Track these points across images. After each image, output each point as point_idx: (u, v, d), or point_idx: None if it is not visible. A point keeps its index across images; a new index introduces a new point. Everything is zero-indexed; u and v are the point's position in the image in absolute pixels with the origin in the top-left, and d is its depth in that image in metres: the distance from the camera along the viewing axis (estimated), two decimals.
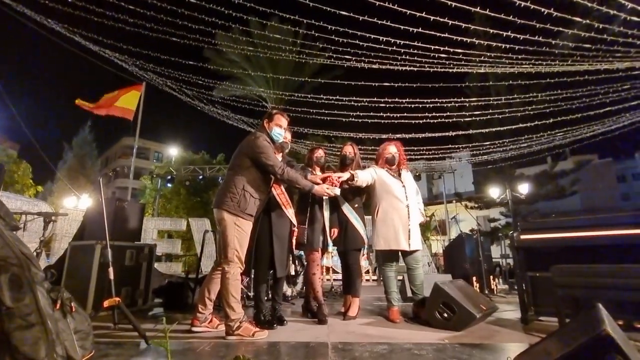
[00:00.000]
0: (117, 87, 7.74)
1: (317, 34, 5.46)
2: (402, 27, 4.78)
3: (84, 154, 27.18)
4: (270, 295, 2.95)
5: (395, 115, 7.55)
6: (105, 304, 2.27)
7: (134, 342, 2.13)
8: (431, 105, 7.40)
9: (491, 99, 9.47)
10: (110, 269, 2.44)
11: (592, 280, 2.03)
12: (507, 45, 5.48)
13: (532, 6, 4.34)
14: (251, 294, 3.56)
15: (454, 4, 4.24)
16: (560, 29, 5.01)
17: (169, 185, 16.11)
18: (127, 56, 7.11)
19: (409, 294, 3.14)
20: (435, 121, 7.81)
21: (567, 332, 1.29)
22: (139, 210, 3.92)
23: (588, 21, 4.89)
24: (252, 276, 2.89)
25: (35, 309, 1.36)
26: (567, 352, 0.96)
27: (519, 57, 6.02)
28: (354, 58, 5.98)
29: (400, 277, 3.96)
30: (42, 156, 6.78)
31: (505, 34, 5.03)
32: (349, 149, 3.30)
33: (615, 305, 2.42)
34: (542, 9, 4.43)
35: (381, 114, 7.53)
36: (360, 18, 4.64)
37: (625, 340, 1.06)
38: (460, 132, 9.94)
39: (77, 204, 11.06)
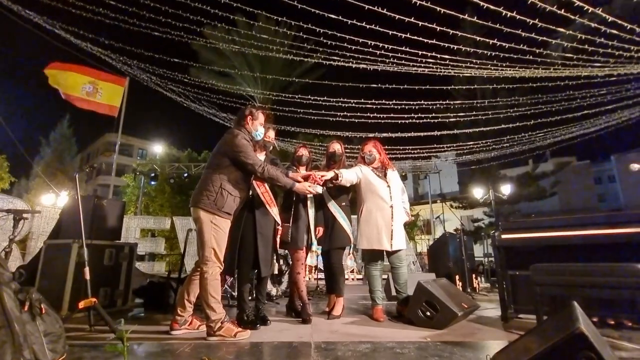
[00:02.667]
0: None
1: (305, 36, 5.45)
2: (390, 32, 4.81)
3: (63, 150, 26.26)
4: (254, 295, 2.92)
5: (382, 115, 7.62)
6: (81, 304, 2.20)
7: (110, 344, 2.06)
8: (417, 107, 7.50)
9: (475, 101, 9.66)
10: (86, 269, 2.36)
11: (569, 279, 2.08)
12: (493, 53, 5.60)
13: (518, 16, 4.43)
14: (235, 293, 3.51)
15: (442, 10, 4.28)
16: (545, 38, 5.15)
17: (153, 183, 15.74)
18: (110, 50, 6.89)
19: (394, 292, 3.16)
20: (421, 122, 7.92)
21: (544, 330, 1.32)
22: (119, 208, 3.80)
23: (571, 32, 5.04)
24: (236, 276, 2.85)
25: (1, 311, 1.29)
26: (543, 350, 0.98)
27: (504, 64, 6.16)
28: (342, 59, 5.98)
29: (385, 276, 3.98)
30: (20, 149, 6.50)
31: (491, 41, 5.14)
32: (335, 147, 3.28)
33: (591, 303, 2.51)
34: (528, 20, 4.53)
35: (368, 114, 7.59)
36: (349, 22, 4.64)
37: (599, 337, 1.08)
38: (446, 132, 10.10)
39: (56, 201, 10.72)
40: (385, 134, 8.54)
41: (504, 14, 4.38)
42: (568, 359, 0.93)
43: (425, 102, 7.59)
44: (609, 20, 4.68)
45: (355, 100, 7.34)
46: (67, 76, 6.81)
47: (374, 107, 7.39)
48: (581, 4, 4.32)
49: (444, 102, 8.21)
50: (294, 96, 7.76)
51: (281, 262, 4.47)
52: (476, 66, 6.72)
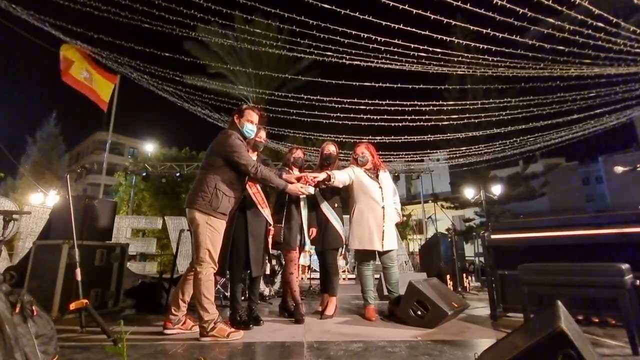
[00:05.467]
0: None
1: (297, 29, 5.42)
2: (383, 22, 4.81)
3: (50, 149, 25.77)
4: (247, 295, 2.93)
5: (375, 117, 7.64)
6: (72, 306, 2.18)
7: (102, 345, 2.05)
8: (410, 109, 7.55)
9: (468, 102, 9.79)
10: (77, 270, 2.34)
11: (555, 278, 2.14)
12: (485, 46, 5.67)
13: (508, 5, 4.46)
14: (227, 294, 3.51)
15: None
16: (536, 27, 5.22)
17: (144, 182, 15.54)
18: (100, 47, 6.79)
19: (386, 292, 3.20)
20: (414, 125, 7.98)
21: (528, 328, 1.36)
22: (110, 208, 3.77)
23: (559, 22, 5.11)
24: (228, 276, 2.85)
25: None
26: (526, 348, 1.02)
27: (495, 59, 6.24)
28: (335, 55, 5.98)
29: (377, 276, 4.03)
30: (2, 148, 6.38)
31: (484, 30, 5.16)
32: (331, 149, 3.31)
33: (577, 301, 2.58)
34: (518, 9, 4.56)
35: (361, 115, 7.60)
36: (342, 12, 4.63)
37: (579, 335, 1.13)
38: (439, 136, 10.20)
39: (44, 200, 10.53)
40: (378, 138, 8.59)
41: (494, 1, 4.38)
42: (549, 356, 0.98)
43: (419, 103, 7.65)
44: (596, 13, 4.75)
45: (348, 100, 7.35)
46: (75, 55, 6.94)
47: (367, 108, 7.41)
48: None
49: (436, 104, 8.30)
50: (287, 95, 7.75)
51: (274, 262, 4.48)
52: (468, 61, 6.80)
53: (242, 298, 2.97)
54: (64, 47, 6.77)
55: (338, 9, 4.67)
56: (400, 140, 8.80)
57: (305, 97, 7.16)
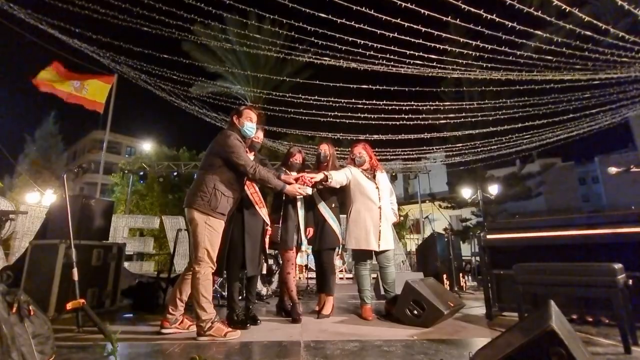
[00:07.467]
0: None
1: (296, 35, 5.48)
2: (378, 31, 4.88)
3: (49, 147, 25.66)
4: (244, 295, 2.94)
5: (372, 116, 7.69)
6: (69, 306, 2.18)
7: (99, 345, 2.05)
8: (407, 108, 7.60)
9: (464, 103, 9.85)
10: (75, 270, 2.34)
11: (549, 278, 2.16)
12: (478, 54, 5.74)
13: (497, 19, 4.54)
14: (225, 293, 3.52)
15: (427, 12, 4.37)
16: (524, 41, 5.32)
17: (142, 182, 15.48)
18: (97, 47, 6.76)
19: (383, 292, 3.22)
20: (411, 123, 8.03)
21: (521, 327, 1.38)
22: (107, 207, 3.76)
23: (548, 35, 5.20)
24: (225, 275, 2.86)
25: None
26: (517, 347, 1.04)
27: (489, 65, 6.32)
28: (331, 59, 6.04)
29: (374, 275, 4.04)
30: (1, 149, 6.36)
31: (474, 43, 5.27)
32: (325, 148, 3.32)
33: (571, 301, 2.61)
34: (508, 23, 4.65)
35: (359, 114, 7.66)
36: (338, 21, 4.68)
37: (571, 334, 1.15)
38: (435, 135, 10.24)
39: (41, 199, 10.49)
40: (375, 136, 8.62)
41: (484, 16, 4.46)
42: (540, 355, 1.00)
43: (415, 104, 7.70)
44: (585, 20, 4.82)
45: (345, 100, 7.40)
46: (56, 75, 6.97)
47: (365, 107, 7.46)
48: (564, 5, 4.45)
49: (433, 104, 8.34)
50: (285, 95, 7.77)
51: (271, 261, 4.48)
52: (462, 68, 6.87)
53: (240, 297, 2.98)
54: (39, 76, 6.92)
55: (334, 19, 4.73)
56: (397, 138, 8.86)
57: (303, 97, 7.19)
